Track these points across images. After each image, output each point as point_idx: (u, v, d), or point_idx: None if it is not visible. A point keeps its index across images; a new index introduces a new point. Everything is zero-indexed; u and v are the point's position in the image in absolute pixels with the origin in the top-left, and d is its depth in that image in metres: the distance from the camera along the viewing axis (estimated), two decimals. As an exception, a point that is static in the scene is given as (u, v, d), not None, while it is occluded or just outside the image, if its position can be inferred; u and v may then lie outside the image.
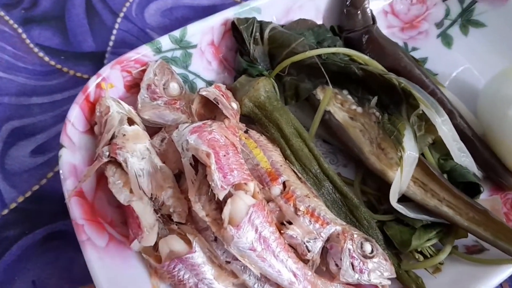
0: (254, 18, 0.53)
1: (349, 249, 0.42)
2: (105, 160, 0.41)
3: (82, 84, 0.47)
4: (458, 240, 0.47)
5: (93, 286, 0.39)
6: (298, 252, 0.42)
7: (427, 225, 0.47)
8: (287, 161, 0.47)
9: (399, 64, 0.54)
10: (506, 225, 0.44)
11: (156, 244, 0.40)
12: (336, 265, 0.42)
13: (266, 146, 0.47)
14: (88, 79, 0.47)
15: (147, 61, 0.49)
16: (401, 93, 0.48)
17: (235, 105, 0.47)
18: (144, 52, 0.49)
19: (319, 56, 0.50)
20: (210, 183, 0.38)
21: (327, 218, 0.43)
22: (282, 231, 0.42)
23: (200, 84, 0.54)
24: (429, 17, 0.65)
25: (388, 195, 0.46)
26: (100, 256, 0.40)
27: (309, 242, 0.42)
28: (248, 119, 0.51)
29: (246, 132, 0.48)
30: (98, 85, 0.46)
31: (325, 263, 0.43)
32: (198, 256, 0.40)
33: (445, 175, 0.48)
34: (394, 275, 0.43)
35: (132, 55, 0.48)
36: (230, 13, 0.53)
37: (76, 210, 0.41)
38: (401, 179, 0.46)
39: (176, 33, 0.51)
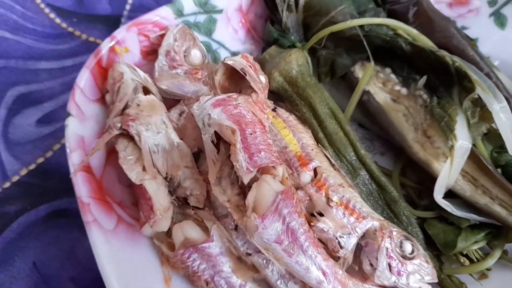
0: (288, -19, 0.49)
1: (387, 248, 0.39)
2: (116, 132, 0.38)
3: (94, 50, 0.44)
4: (509, 244, 0.44)
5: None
6: (328, 247, 0.39)
7: (475, 226, 0.43)
8: (319, 145, 0.44)
9: (451, 42, 0.50)
10: None
11: (170, 229, 0.38)
12: (371, 264, 0.39)
13: (296, 126, 0.44)
14: (101, 44, 0.44)
15: (167, 24, 0.46)
16: (454, 73, 0.44)
17: (263, 78, 0.43)
18: (164, 14, 0.46)
19: (361, 27, 0.46)
20: (234, 164, 0.35)
21: (363, 211, 0.40)
22: (311, 224, 0.39)
23: (224, 54, 0.51)
24: (481, -7, 0.60)
25: (431, 189, 0.43)
26: (107, 239, 0.37)
27: (342, 237, 0.39)
28: (276, 96, 0.47)
29: (274, 110, 0.45)
30: (112, 49, 0.43)
31: (358, 262, 0.40)
32: (216, 246, 0.38)
33: (498, 170, 0.45)
34: (436, 280, 0.40)
35: (151, 17, 0.45)
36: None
37: (82, 187, 0.38)
38: (450, 172, 0.42)
39: (201, -6, 0.48)
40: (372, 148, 0.50)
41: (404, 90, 0.47)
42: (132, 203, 0.41)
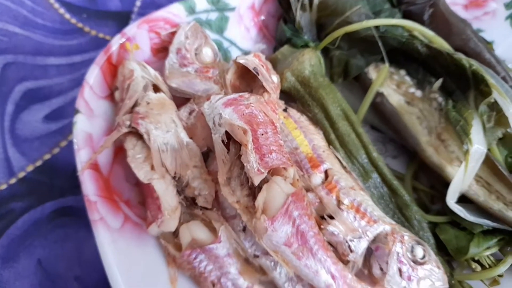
0: (303, -20, 0.49)
1: (398, 253, 0.38)
2: (125, 130, 0.39)
3: (104, 46, 0.44)
4: (523, 251, 0.42)
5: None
6: (338, 251, 0.39)
7: (488, 231, 0.43)
8: (331, 147, 0.44)
9: (467, 44, 0.49)
10: None
11: (177, 229, 0.38)
12: (381, 269, 0.39)
13: (307, 127, 0.44)
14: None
15: (179, 22, 0.46)
16: (470, 77, 0.43)
17: (275, 78, 0.43)
18: (175, 11, 0.46)
19: (376, 28, 0.45)
20: (245, 164, 0.35)
21: (374, 215, 0.39)
22: (321, 226, 0.39)
23: (235, 53, 0.51)
24: (498, -4, 0.59)
25: (443, 193, 0.43)
26: (114, 238, 0.37)
27: (352, 241, 0.38)
28: (288, 96, 0.47)
29: (285, 110, 0.44)
30: (122, 46, 0.43)
31: (367, 266, 0.40)
32: (223, 247, 0.38)
33: (514, 176, 0.44)
34: (447, 286, 0.39)
35: (162, 14, 0.46)
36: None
37: (89, 185, 0.38)
38: (464, 176, 0.41)
39: (213, -8, 0.48)
40: (385, 151, 0.50)
41: (418, 93, 0.46)
42: (139, 202, 0.41)
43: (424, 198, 0.47)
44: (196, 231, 0.38)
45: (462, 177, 0.42)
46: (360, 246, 0.38)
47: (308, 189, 0.40)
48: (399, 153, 0.50)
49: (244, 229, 0.39)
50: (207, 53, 0.44)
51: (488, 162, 0.43)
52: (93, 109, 0.41)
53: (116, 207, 0.39)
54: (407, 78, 0.47)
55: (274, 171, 0.35)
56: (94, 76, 0.42)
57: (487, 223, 0.42)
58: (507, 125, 0.43)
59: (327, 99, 0.45)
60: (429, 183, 0.48)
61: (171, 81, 0.43)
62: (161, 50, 0.46)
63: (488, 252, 0.42)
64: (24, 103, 0.51)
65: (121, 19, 0.57)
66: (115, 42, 0.43)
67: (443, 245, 0.43)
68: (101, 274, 0.36)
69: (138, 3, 0.58)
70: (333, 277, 0.37)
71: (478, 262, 0.42)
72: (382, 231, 0.39)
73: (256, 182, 0.34)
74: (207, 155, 0.41)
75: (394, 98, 0.46)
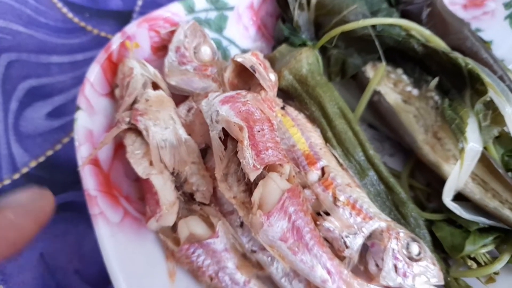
0: (300, -20, 0.49)
1: (393, 249, 0.38)
2: (125, 127, 0.39)
3: (105, 45, 0.44)
4: (518, 249, 0.43)
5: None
6: (334, 247, 0.39)
7: (483, 229, 0.43)
8: (328, 144, 0.44)
9: (464, 44, 0.49)
10: None
11: (175, 224, 0.38)
12: (377, 265, 0.39)
13: (304, 125, 0.44)
14: (112, 39, 0.44)
15: (178, 21, 0.46)
16: (466, 76, 0.43)
17: (273, 76, 0.43)
18: (175, 10, 0.46)
19: (373, 27, 0.46)
20: (241, 161, 0.35)
21: (370, 212, 0.40)
22: (317, 222, 0.39)
23: (234, 51, 0.51)
24: (497, -4, 0.59)
25: (439, 191, 0.43)
26: (113, 232, 0.38)
27: (348, 237, 0.39)
28: (286, 94, 0.47)
29: (283, 108, 0.45)
30: (122, 44, 0.44)
31: (363, 262, 0.40)
32: (221, 242, 0.38)
33: (509, 174, 0.44)
34: (442, 282, 0.40)
35: (162, 13, 0.46)
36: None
37: (89, 180, 0.39)
38: (460, 174, 0.41)
39: (212, -9, 0.48)
40: (382, 149, 0.50)
41: (415, 91, 0.46)
42: (138, 197, 0.41)
43: (421, 196, 0.47)
44: (194, 226, 0.38)
45: (458, 175, 0.42)
46: (355, 242, 0.38)
47: (305, 186, 0.40)
48: (395, 151, 0.50)
49: (242, 224, 0.39)
50: (206, 52, 0.44)
51: (484, 160, 0.43)
52: (94, 106, 0.42)
53: (116, 202, 0.40)
54: (404, 77, 0.47)
55: (270, 168, 0.36)
56: (95, 73, 0.42)
57: (483, 220, 0.42)
58: (503, 124, 0.43)
59: (324, 97, 0.45)
60: (425, 181, 0.48)
61: (170, 79, 0.43)
62: (161, 49, 0.46)
63: (484, 250, 0.42)
64: (28, 101, 0.52)
65: (123, 18, 0.58)
66: (116, 41, 0.43)
67: (439, 242, 0.43)
68: (101, 267, 0.37)
69: (139, 3, 0.59)
70: (328, 272, 0.37)
71: (474, 259, 0.43)
72: (378, 227, 0.39)
73: (252, 178, 0.34)
74: (205, 151, 0.41)
75: (391, 96, 0.47)
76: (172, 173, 0.39)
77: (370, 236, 0.39)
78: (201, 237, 0.38)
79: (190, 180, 0.39)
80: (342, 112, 0.45)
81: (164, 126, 0.39)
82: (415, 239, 0.39)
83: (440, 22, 0.50)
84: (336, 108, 0.45)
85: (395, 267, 0.38)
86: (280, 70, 0.46)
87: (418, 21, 0.51)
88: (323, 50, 0.49)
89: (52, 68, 0.54)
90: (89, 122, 0.41)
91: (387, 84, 0.47)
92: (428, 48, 0.45)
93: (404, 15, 0.53)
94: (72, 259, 0.44)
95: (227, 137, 0.37)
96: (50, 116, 0.51)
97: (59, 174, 0.49)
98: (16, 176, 0.48)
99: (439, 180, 0.44)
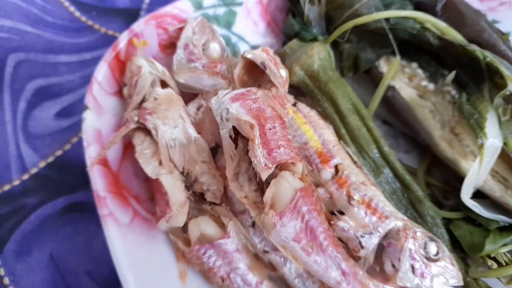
0: (311, -27, 0.48)
1: (410, 249, 0.37)
2: (133, 126, 0.39)
3: (113, 43, 0.44)
4: (541, 248, 0.41)
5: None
6: (348, 247, 0.38)
7: (504, 228, 0.42)
8: (341, 142, 0.43)
9: (481, 36, 0.48)
10: None
11: (186, 225, 0.38)
12: (393, 266, 0.38)
13: (317, 122, 0.43)
14: (120, 37, 0.44)
15: (186, 17, 0.46)
16: (484, 69, 0.42)
17: (284, 72, 0.42)
18: (183, 7, 0.46)
19: (387, 20, 0.44)
20: (252, 159, 0.34)
21: (386, 210, 0.39)
22: (331, 222, 0.38)
23: (243, 48, 0.50)
24: (515, -15, 0.58)
25: (457, 188, 0.42)
26: (123, 233, 0.37)
27: (363, 237, 0.37)
28: (297, 91, 0.47)
29: (294, 105, 0.44)
30: (130, 42, 0.43)
31: (379, 263, 0.39)
32: (232, 243, 0.37)
33: (531, 171, 0.42)
34: (461, 283, 0.38)
35: (170, 10, 0.45)
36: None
37: (98, 180, 0.38)
38: (479, 171, 0.40)
39: (220, -14, 0.47)
40: (396, 145, 0.49)
41: (431, 86, 0.45)
42: (148, 197, 0.41)
43: (438, 194, 0.46)
44: (204, 226, 0.37)
45: (477, 172, 0.41)
46: (371, 242, 0.37)
47: (318, 185, 0.39)
48: (411, 148, 0.49)
49: (253, 224, 0.38)
50: (215, 48, 0.43)
51: (504, 156, 0.41)
52: (102, 105, 0.41)
53: (125, 202, 0.39)
54: (419, 71, 0.46)
55: (282, 166, 0.35)
56: (102, 72, 0.42)
57: (503, 219, 0.41)
58: (523, 119, 0.42)
59: (337, 93, 0.44)
60: (442, 178, 0.47)
61: (178, 77, 0.42)
62: (169, 46, 0.46)
63: (504, 249, 0.41)
64: (36, 100, 0.52)
65: (130, 16, 0.57)
66: (123, 39, 0.43)
67: (457, 241, 0.42)
68: (111, 268, 0.36)
69: (146, 0, 0.58)
70: (343, 273, 0.36)
71: (494, 259, 0.41)
72: (394, 227, 0.38)
73: (264, 177, 0.34)
74: (216, 150, 0.41)
75: (406, 91, 0.45)
76: (182, 173, 0.38)
77: (386, 236, 0.38)
78: (212, 238, 0.37)
79: (200, 179, 0.38)
80: (356, 108, 0.44)
81: (173, 125, 0.39)
82: (433, 239, 0.38)
83: (456, 14, 0.49)
84: (349, 104, 0.44)
85: (412, 267, 0.37)
86: (291, 66, 0.45)
87: (433, 13, 0.50)
88: (335, 45, 0.48)
89: (60, 68, 0.54)
90: (98, 121, 0.41)
91: (402, 78, 0.46)
92: (444, 41, 0.44)
93: (418, 7, 0.51)
94: (82, 260, 0.44)
95: (237, 135, 0.37)
96: (58, 116, 0.51)
97: (68, 174, 0.48)
98: (25, 176, 0.48)
99: (457, 177, 0.43)
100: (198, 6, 0.46)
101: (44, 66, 0.53)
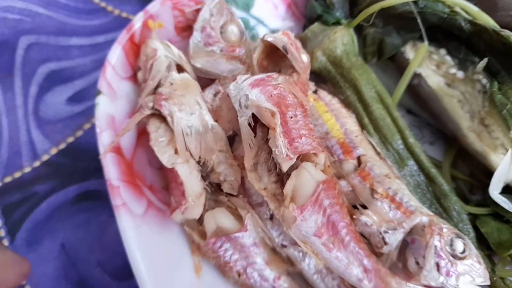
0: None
1: (436, 246, 0.35)
2: (148, 112, 0.37)
3: (127, 26, 0.42)
4: None
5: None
6: (371, 243, 0.36)
7: (534, 225, 0.39)
8: (364, 132, 0.41)
9: (515, 21, 0.45)
10: None
11: (202, 216, 0.36)
12: (417, 263, 0.36)
13: (339, 111, 0.41)
14: (135, 19, 0.42)
15: (203, -1, 0.43)
16: (519, 56, 0.39)
17: (305, 57, 0.40)
18: (200, -13, 0.43)
19: (415, 3, 0.42)
20: (273, 150, 0.32)
21: (411, 205, 0.37)
22: (354, 216, 0.36)
23: (262, 31, 0.48)
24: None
25: (485, 183, 0.40)
26: (136, 224, 0.36)
27: (387, 232, 0.36)
28: (318, 77, 0.44)
29: (315, 92, 0.42)
30: (145, 24, 0.41)
31: (402, 259, 0.37)
32: (250, 236, 0.36)
33: None
34: (488, 282, 0.36)
35: (186, -10, 0.43)
36: None
37: (111, 169, 0.37)
38: (510, 165, 0.38)
39: (239, -34, 0.45)
40: (421, 136, 0.47)
41: (460, 74, 0.43)
42: (163, 187, 0.39)
43: (463, 188, 0.44)
44: (221, 218, 0.36)
45: (508, 166, 0.38)
46: (395, 238, 0.35)
47: (340, 177, 0.38)
48: (436, 139, 0.46)
49: (271, 217, 0.37)
50: (233, 31, 0.41)
51: (538, 149, 0.39)
52: (116, 90, 0.40)
53: (139, 192, 0.38)
54: (448, 58, 0.44)
55: (303, 157, 0.33)
56: (116, 55, 0.40)
57: (534, 216, 0.39)
58: (559, 110, 0.40)
59: (360, 80, 0.42)
60: (468, 171, 0.44)
61: (195, 61, 0.40)
62: (185, 29, 0.44)
63: (534, 247, 0.39)
64: (48, 85, 0.50)
65: (145, -2, 0.55)
66: (138, 20, 0.41)
67: (484, 238, 0.40)
68: (123, 259, 0.35)
69: (162, -19, 0.56)
70: (365, 270, 0.34)
71: (522, 258, 0.39)
72: (419, 222, 0.36)
73: (285, 168, 0.32)
74: (233, 139, 0.39)
75: (433, 79, 0.43)
76: (198, 162, 0.36)
77: (410, 232, 0.36)
78: (228, 231, 0.35)
79: (217, 169, 0.37)
80: (380, 97, 0.42)
81: (190, 112, 0.37)
82: (459, 235, 0.36)
83: (488, -3, 0.46)
84: (373, 92, 0.42)
85: (438, 265, 0.35)
86: (313, 51, 0.43)
87: (463, -4, 0.47)
88: (358, 29, 0.46)
89: (72, 51, 0.52)
90: (111, 107, 0.39)
91: (429, 65, 0.44)
92: (476, 26, 0.41)
93: (446, -10, 0.49)
94: (94, 250, 0.43)
95: (256, 123, 0.35)
96: (70, 101, 0.50)
97: (81, 162, 0.47)
98: (37, 163, 0.47)
99: (484, 171, 0.41)
100: (216, -13, 0.44)
101: (56, 49, 0.52)
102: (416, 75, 0.43)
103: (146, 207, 0.37)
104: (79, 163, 0.47)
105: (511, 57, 0.40)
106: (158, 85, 0.38)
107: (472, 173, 0.44)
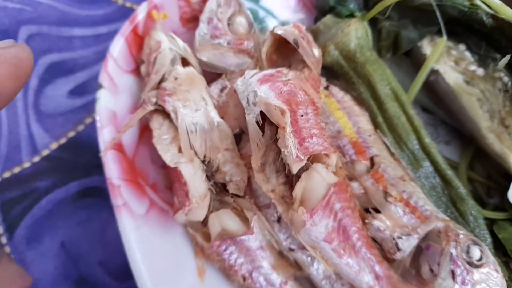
0: None
1: (452, 253, 0.34)
2: (151, 108, 0.35)
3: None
4: None
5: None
6: (383, 249, 0.35)
7: (554, 231, 0.38)
8: (378, 131, 0.39)
9: (539, 15, 0.43)
10: None
11: (206, 218, 0.35)
12: (431, 270, 0.34)
13: (351, 108, 0.40)
14: (139, 9, 0.41)
15: (210, -12, 0.41)
16: (544, 53, 0.37)
17: (317, 51, 0.38)
18: (207, -24, 0.41)
19: (434, -5, 0.40)
20: (282, 150, 0.31)
21: (426, 209, 0.35)
22: (366, 221, 0.35)
23: (271, 23, 0.46)
24: None
25: (502, 185, 0.39)
26: (138, 225, 0.35)
27: (400, 238, 0.34)
28: (330, 73, 0.43)
29: (327, 88, 0.40)
30: (149, 15, 0.40)
31: (415, 265, 0.35)
32: (256, 239, 0.34)
33: None
34: (505, 292, 0.35)
35: (193, -21, 0.41)
36: None
37: (112, 167, 0.35)
38: (533, 168, 0.36)
39: (248, -46, 0.43)
40: (436, 135, 0.45)
41: (480, 71, 0.41)
42: (166, 186, 0.38)
43: (480, 191, 0.42)
44: (226, 220, 0.35)
45: (529, 169, 0.37)
46: (408, 244, 0.34)
47: (351, 178, 0.36)
48: (452, 138, 0.45)
49: (279, 219, 0.35)
50: (241, 23, 0.39)
51: (561, 153, 0.37)
52: (118, 84, 0.38)
53: (141, 191, 0.36)
54: (467, 54, 0.42)
55: (314, 158, 0.31)
56: (118, 48, 0.38)
57: (554, 222, 0.37)
58: None
59: (374, 76, 0.40)
60: (485, 173, 0.43)
61: (201, 54, 0.39)
62: (191, 20, 0.42)
63: (553, 255, 0.37)
64: (49, 77, 0.49)
65: (150, -13, 0.54)
66: (141, 11, 0.39)
67: (501, 244, 0.38)
68: (125, 259, 0.34)
69: (167, -31, 0.54)
70: (377, 277, 0.33)
71: (541, 266, 0.37)
72: (435, 228, 0.34)
73: (295, 170, 0.30)
74: (240, 137, 0.37)
75: (451, 76, 0.41)
76: (203, 161, 0.35)
77: (425, 237, 0.35)
78: (234, 233, 0.34)
79: (222, 169, 0.35)
80: (395, 94, 0.40)
81: (195, 108, 0.35)
82: (476, 242, 0.35)
83: (511, -10, 0.44)
84: (388, 88, 0.40)
85: (453, 273, 0.33)
86: (325, 45, 0.42)
87: (484, -11, 0.45)
88: (373, 22, 0.44)
89: (74, 42, 0.51)
90: (113, 102, 0.38)
91: (447, 61, 0.42)
92: (498, 20, 0.39)
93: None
94: (95, 248, 0.42)
95: (264, 121, 0.33)
96: (72, 94, 0.48)
97: (82, 157, 0.46)
98: (36, 158, 0.45)
99: (503, 173, 0.39)
100: (224, -24, 0.42)
101: (58, 40, 0.50)
102: (433, 72, 0.41)
103: (148, 207, 0.36)
104: (80, 158, 0.46)
105: (535, 54, 0.38)
106: (162, 80, 0.36)
107: (490, 175, 0.43)
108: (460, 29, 0.41)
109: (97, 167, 0.43)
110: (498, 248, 0.38)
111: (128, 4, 0.53)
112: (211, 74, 0.40)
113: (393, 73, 0.42)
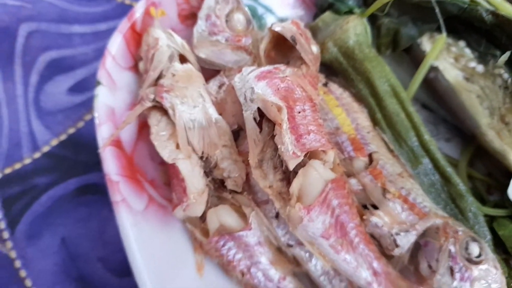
0: None
1: (450, 250, 0.34)
2: (149, 104, 0.36)
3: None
4: None
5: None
6: (381, 245, 0.35)
7: (554, 229, 0.38)
8: (377, 127, 0.40)
9: (540, 11, 0.43)
10: None
11: (204, 214, 0.35)
12: (430, 267, 0.35)
13: (350, 105, 0.40)
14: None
15: (209, -15, 0.42)
16: (544, 50, 0.38)
17: (315, 48, 0.39)
18: (205, -27, 0.42)
19: (434, -8, 0.40)
20: (279, 146, 0.31)
21: (424, 206, 0.36)
22: (364, 217, 0.35)
23: (270, 20, 0.47)
24: None
25: (502, 183, 0.40)
26: (136, 221, 0.35)
27: (399, 234, 0.35)
28: (329, 69, 0.43)
29: (325, 85, 0.41)
30: (147, 11, 0.40)
31: (413, 262, 0.36)
32: (254, 235, 0.35)
33: None
34: (504, 288, 0.35)
35: (191, -24, 0.41)
36: None
37: (111, 163, 0.36)
38: (532, 165, 0.36)
39: (246, -50, 0.44)
40: (436, 133, 0.45)
41: (480, 68, 0.41)
42: (164, 182, 0.38)
43: (480, 188, 0.43)
44: (224, 216, 0.35)
45: (529, 166, 0.37)
46: (407, 241, 0.34)
47: (350, 175, 0.37)
48: (452, 136, 0.45)
49: (277, 215, 0.36)
50: (239, 20, 0.40)
51: (561, 149, 0.38)
52: (116, 81, 0.39)
53: (140, 187, 0.37)
54: (467, 51, 0.42)
55: (311, 154, 0.32)
56: (117, 45, 0.39)
57: (554, 219, 0.38)
58: None
59: (373, 73, 0.40)
60: (486, 170, 0.43)
61: (199, 51, 0.39)
62: (189, 17, 0.43)
63: (553, 252, 0.37)
64: (48, 74, 0.49)
65: (149, -16, 0.54)
66: (139, 8, 0.40)
67: (500, 241, 0.38)
68: (124, 255, 0.34)
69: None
70: (374, 273, 0.33)
71: (541, 263, 0.38)
72: (433, 224, 0.35)
73: (291, 166, 0.31)
74: (238, 133, 0.38)
75: (451, 73, 0.41)
76: (201, 158, 0.35)
77: (423, 234, 0.35)
78: (232, 229, 0.35)
79: (220, 165, 0.36)
80: (394, 91, 0.41)
81: (193, 105, 0.36)
82: (475, 239, 0.35)
83: (512, -14, 0.44)
84: (386, 85, 0.41)
85: (451, 269, 0.34)
86: (323, 42, 0.42)
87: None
88: (372, 19, 0.44)
89: (73, 39, 0.51)
90: (111, 98, 0.38)
91: (447, 58, 0.42)
92: (498, 17, 0.39)
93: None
94: (95, 245, 0.43)
95: (262, 117, 0.34)
96: (71, 91, 0.49)
97: (82, 154, 0.46)
98: (37, 155, 0.46)
99: (503, 170, 0.39)
100: (222, -27, 0.42)
101: (57, 37, 0.51)
102: (433, 68, 0.42)
103: (146, 203, 0.36)
104: (80, 155, 0.46)
105: (535, 51, 0.38)
106: (159, 76, 0.37)
107: (490, 172, 0.43)
108: (460, 26, 0.42)
109: (97, 164, 0.43)
110: (498, 245, 0.39)
111: (127, 1, 0.54)
112: (209, 71, 0.40)
113: (393, 70, 0.42)
